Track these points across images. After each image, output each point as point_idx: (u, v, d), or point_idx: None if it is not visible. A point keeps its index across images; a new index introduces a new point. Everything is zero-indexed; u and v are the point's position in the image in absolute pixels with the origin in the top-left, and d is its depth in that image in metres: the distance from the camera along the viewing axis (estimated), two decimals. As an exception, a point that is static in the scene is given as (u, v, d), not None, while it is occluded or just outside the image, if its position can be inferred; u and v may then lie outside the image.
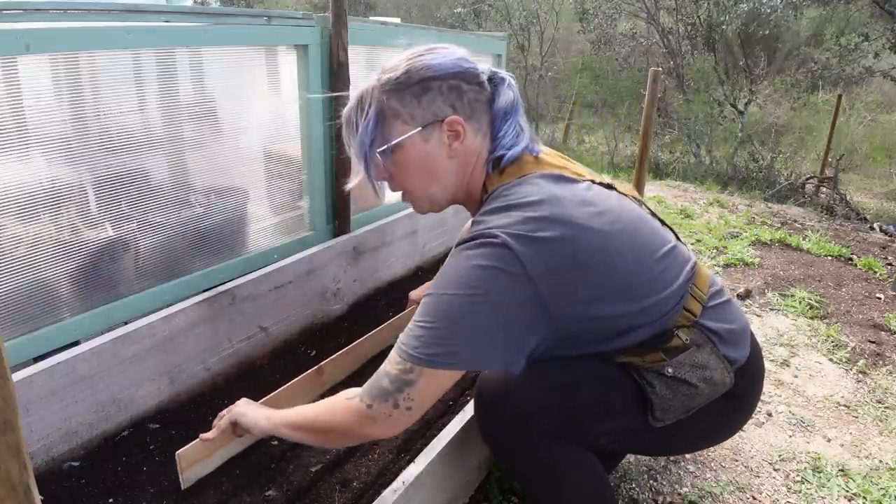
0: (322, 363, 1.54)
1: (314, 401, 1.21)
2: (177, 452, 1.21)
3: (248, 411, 1.18)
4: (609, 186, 1.07)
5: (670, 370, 0.99)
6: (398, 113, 1.00)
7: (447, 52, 1.03)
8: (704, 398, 1.01)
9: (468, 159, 1.04)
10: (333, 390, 1.56)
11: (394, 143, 1.01)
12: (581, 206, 0.95)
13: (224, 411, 1.25)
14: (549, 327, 0.93)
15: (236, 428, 1.21)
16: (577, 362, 1.02)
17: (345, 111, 1.06)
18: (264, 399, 1.34)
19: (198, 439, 1.24)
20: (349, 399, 0.99)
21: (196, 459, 1.26)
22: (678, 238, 1.11)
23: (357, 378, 1.64)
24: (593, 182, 1.05)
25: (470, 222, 1.13)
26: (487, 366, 0.93)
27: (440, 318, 0.90)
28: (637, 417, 1.03)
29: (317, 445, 1.33)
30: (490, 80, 1.05)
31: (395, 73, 1.00)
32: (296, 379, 1.47)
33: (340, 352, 1.61)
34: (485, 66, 1.06)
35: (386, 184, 1.09)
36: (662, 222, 1.11)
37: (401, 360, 0.92)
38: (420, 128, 1.00)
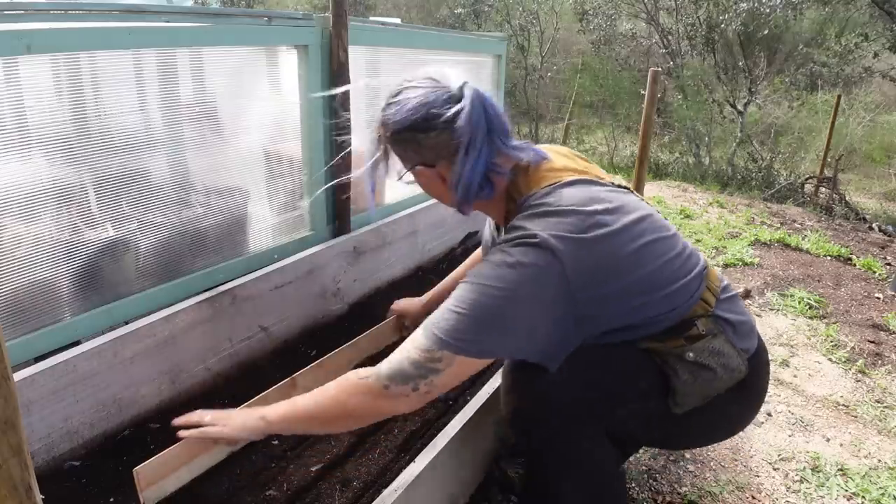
0: (295, 375, 1.43)
1: None
2: (135, 469, 1.11)
3: (234, 418, 1.10)
4: (625, 188, 1.12)
5: (691, 355, 1.02)
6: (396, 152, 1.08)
7: (407, 97, 1.00)
8: (723, 384, 1.05)
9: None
10: None
11: (404, 171, 1.08)
12: (608, 210, 0.99)
13: (190, 415, 1.14)
14: (576, 321, 0.97)
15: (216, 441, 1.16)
16: (604, 346, 1.05)
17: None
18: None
19: (160, 455, 1.15)
20: (362, 379, 0.99)
21: (160, 475, 1.15)
22: None
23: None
24: (613, 185, 1.10)
25: (487, 241, 1.32)
26: (520, 356, 0.98)
27: (476, 308, 0.92)
28: (659, 402, 1.06)
29: (322, 432, 1.33)
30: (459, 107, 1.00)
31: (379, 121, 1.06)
32: (266, 391, 1.35)
33: (314, 363, 1.50)
34: (455, 86, 1.00)
35: (376, 192, 1.13)
36: None
37: (429, 344, 0.94)
38: (409, 166, 1.07)
